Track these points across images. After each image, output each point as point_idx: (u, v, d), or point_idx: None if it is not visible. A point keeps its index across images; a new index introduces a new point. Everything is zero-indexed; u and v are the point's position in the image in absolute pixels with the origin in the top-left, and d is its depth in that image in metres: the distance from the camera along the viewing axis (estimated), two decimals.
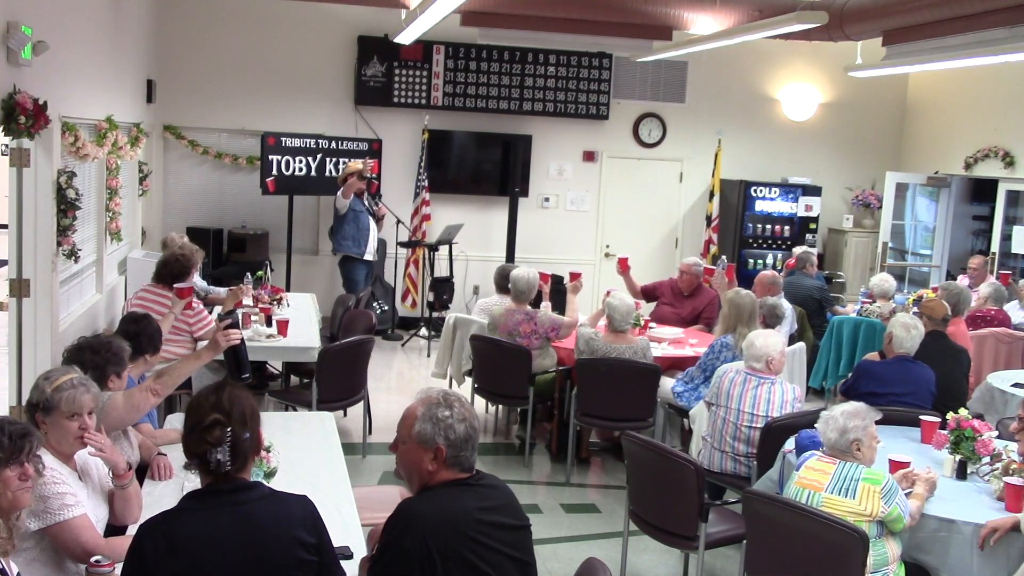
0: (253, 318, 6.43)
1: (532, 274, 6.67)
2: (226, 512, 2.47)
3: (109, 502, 3.27)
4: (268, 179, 9.27)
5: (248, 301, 7.03)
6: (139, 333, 4.18)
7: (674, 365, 6.46)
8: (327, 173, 9.59)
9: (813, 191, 10.89)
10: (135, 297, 6.07)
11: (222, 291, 7.19)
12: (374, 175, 9.54)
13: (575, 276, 6.87)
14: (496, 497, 2.75)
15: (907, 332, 5.39)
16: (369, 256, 9.32)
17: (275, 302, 6.89)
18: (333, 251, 9.44)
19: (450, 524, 2.61)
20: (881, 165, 11.33)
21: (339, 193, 9.06)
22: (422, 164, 10.14)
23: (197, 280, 6.86)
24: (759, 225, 10.85)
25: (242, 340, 4.22)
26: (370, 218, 9.32)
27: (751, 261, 10.79)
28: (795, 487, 3.73)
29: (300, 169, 9.48)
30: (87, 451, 3.19)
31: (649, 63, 10.58)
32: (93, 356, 3.59)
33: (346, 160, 9.55)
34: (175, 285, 5.76)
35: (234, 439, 2.49)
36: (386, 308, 10.11)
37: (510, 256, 10.16)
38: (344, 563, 2.84)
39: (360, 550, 3.11)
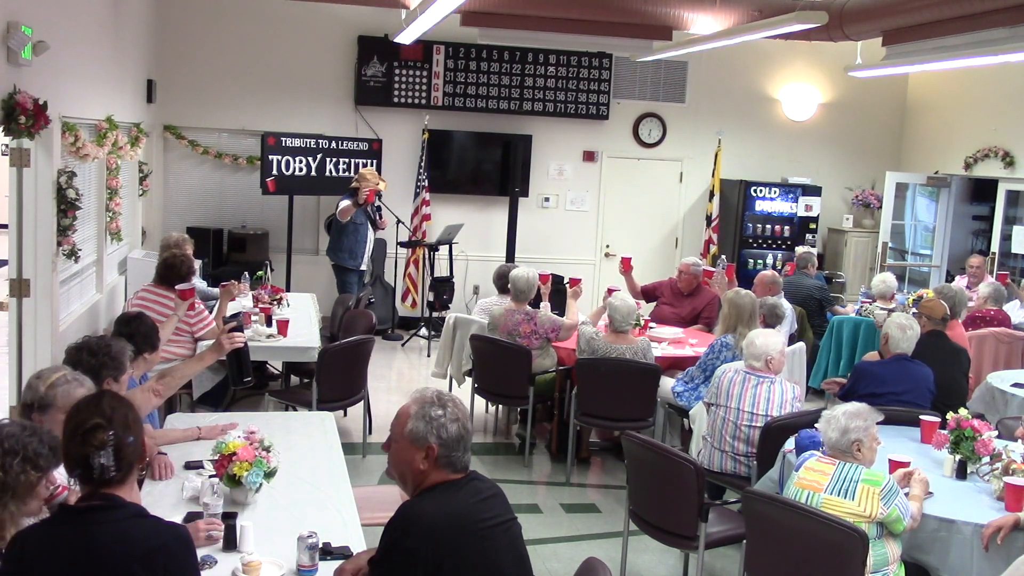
0: (253, 318, 6.44)
1: (531, 274, 6.67)
2: (70, 529, 2.42)
3: None
4: (268, 179, 9.26)
5: (248, 301, 7.03)
6: (133, 333, 4.14)
7: (674, 365, 6.47)
8: (327, 173, 9.59)
9: (813, 191, 10.89)
10: (135, 297, 6.07)
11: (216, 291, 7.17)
12: (377, 192, 9.35)
13: (574, 282, 6.88)
14: (485, 489, 2.76)
15: (903, 332, 5.40)
16: (363, 267, 9.35)
17: (275, 302, 6.88)
18: (327, 253, 9.43)
19: (453, 524, 2.61)
20: (881, 165, 11.33)
21: (338, 211, 9.01)
22: (422, 164, 10.14)
23: (197, 281, 6.85)
24: (759, 225, 10.85)
25: (245, 344, 4.23)
26: (369, 228, 9.30)
27: (751, 261, 10.79)
28: (794, 488, 3.73)
29: (300, 169, 9.48)
30: None
31: (649, 63, 10.58)
32: (90, 358, 3.57)
33: (346, 160, 9.55)
34: (177, 287, 5.71)
35: (118, 443, 2.46)
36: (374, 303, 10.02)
37: (510, 256, 10.16)
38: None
39: (359, 550, 3.11)
